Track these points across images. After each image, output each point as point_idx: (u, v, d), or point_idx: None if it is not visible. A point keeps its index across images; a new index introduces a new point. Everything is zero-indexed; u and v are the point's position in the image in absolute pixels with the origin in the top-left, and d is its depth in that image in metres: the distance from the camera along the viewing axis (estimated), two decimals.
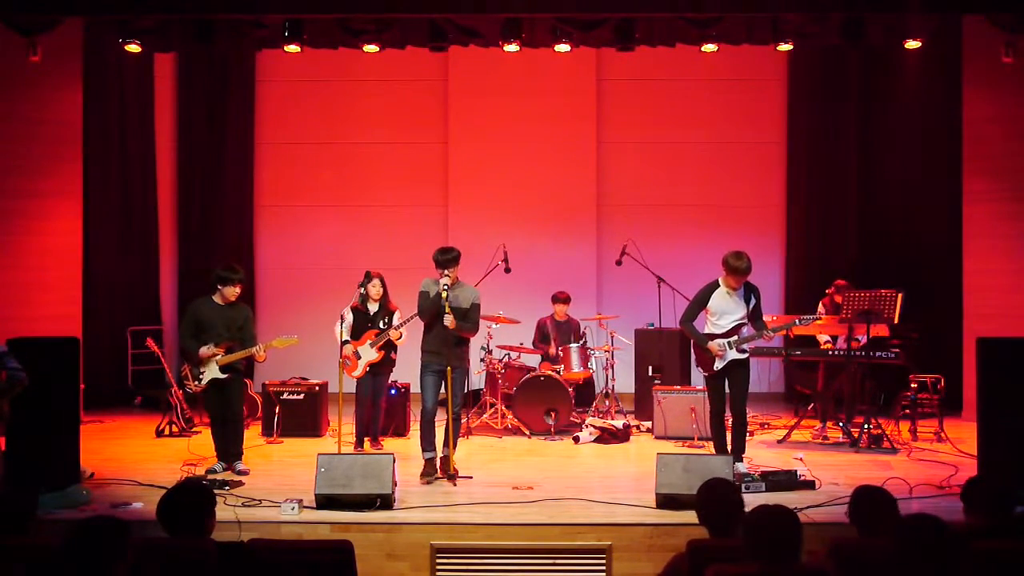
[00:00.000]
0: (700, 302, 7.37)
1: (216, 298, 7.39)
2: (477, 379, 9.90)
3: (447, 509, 6.29)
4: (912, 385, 8.82)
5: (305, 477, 6.55)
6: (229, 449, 7.42)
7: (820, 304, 9.05)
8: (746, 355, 7.29)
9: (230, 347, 7.33)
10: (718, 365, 7.23)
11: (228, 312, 7.38)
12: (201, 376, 7.30)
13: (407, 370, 8.30)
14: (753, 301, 7.29)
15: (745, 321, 7.25)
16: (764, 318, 7.42)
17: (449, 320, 7.04)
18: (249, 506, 6.25)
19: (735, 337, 7.21)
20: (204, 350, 7.25)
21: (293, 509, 6.07)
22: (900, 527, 3.44)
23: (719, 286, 7.32)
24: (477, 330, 7.45)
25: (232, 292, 7.35)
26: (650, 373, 9.63)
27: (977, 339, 6.83)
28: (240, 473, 7.25)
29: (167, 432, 8.96)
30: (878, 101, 11.16)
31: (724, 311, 7.28)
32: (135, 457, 8.01)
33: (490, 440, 8.93)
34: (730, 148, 11.67)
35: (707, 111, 11.66)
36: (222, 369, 7.30)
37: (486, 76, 11.34)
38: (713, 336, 7.27)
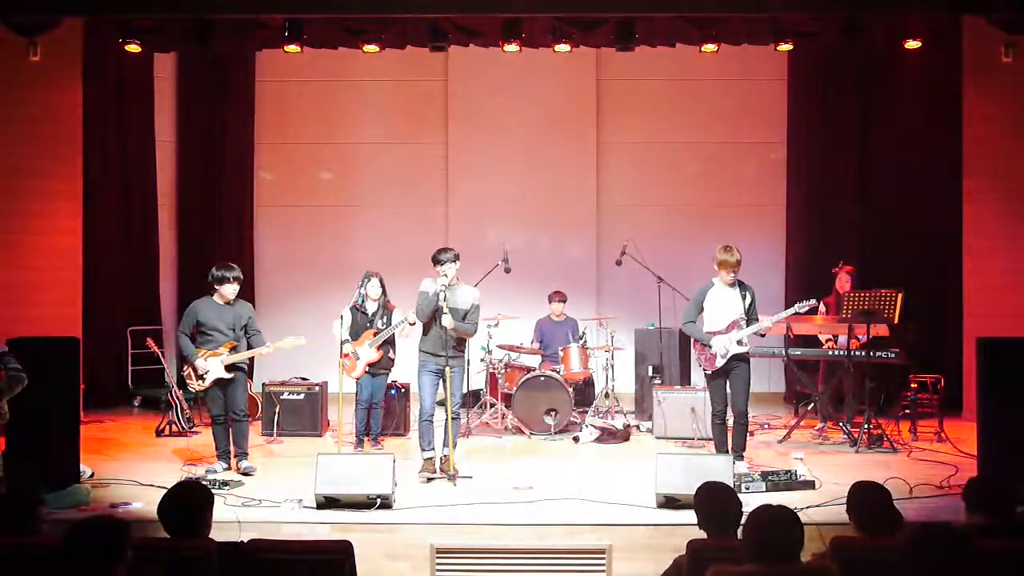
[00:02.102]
0: (697, 303, 7.42)
1: (216, 298, 7.39)
2: (477, 379, 9.91)
3: (447, 509, 6.28)
4: (912, 385, 8.82)
5: (305, 477, 6.55)
6: (234, 448, 7.41)
7: (822, 303, 9.03)
8: (746, 348, 7.31)
9: (234, 347, 7.33)
10: (719, 362, 7.24)
11: (230, 311, 7.37)
12: (205, 375, 7.28)
13: (406, 370, 8.29)
14: (749, 299, 7.32)
15: (743, 317, 7.27)
16: (761, 318, 7.44)
17: (448, 320, 7.04)
18: (249, 506, 6.24)
19: (735, 332, 7.23)
20: (200, 362, 7.23)
21: (293, 509, 6.07)
22: (913, 536, 3.43)
23: (713, 285, 7.37)
24: (476, 331, 7.45)
25: (230, 290, 7.34)
26: (650, 373, 9.63)
27: (977, 339, 6.83)
28: (246, 471, 7.25)
29: (167, 432, 8.95)
30: (878, 101, 11.16)
31: (721, 309, 7.32)
32: (135, 457, 8.01)
33: (490, 440, 8.93)
34: (730, 148, 11.68)
35: (707, 111, 11.67)
36: (227, 368, 7.29)
37: (486, 76, 11.35)
38: (714, 334, 7.29)
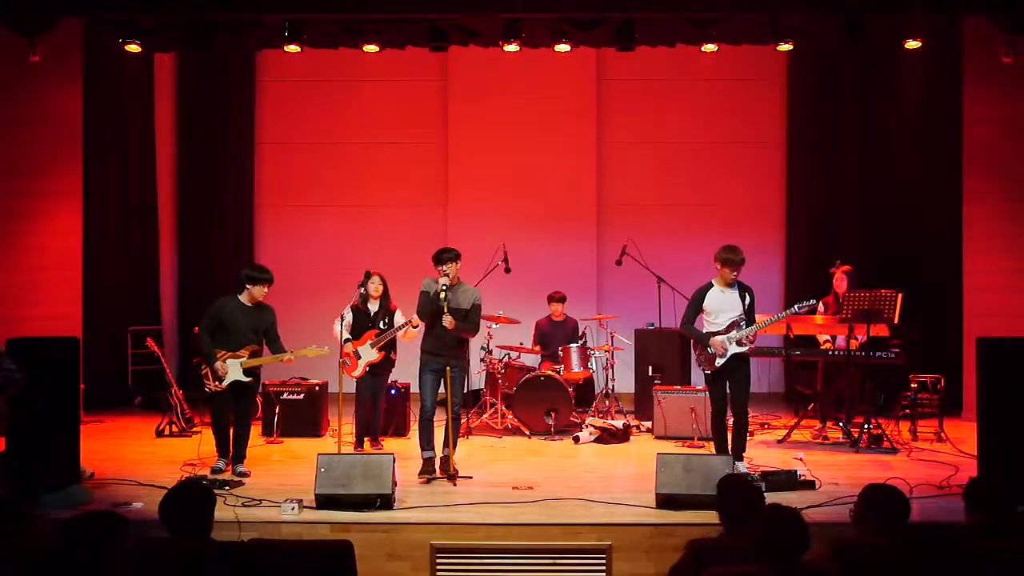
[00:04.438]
0: (696, 304, 7.42)
1: (243, 298, 7.34)
2: (477, 379, 9.91)
3: (447, 509, 6.29)
4: (912, 385, 8.82)
5: (305, 477, 6.55)
6: (232, 451, 7.39)
7: (820, 303, 9.03)
8: (746, 348, 7.31)
9: (255, 351, 7.30)
10: (719, 362, 7.24)
11: (254, 314, 7.34)
12: (222, 377, 7.23)
13: (407, 370, 8.29)
14: (748, 300, 7.32)
15: (742, 318, 7.27)
16: (760, 318, 7.45)
17: (448, 321, 7.05)
18: (249, 506, 6.24)
19: (734, 332, 7.23)
20: (219, 364, 7.18)
21: (293, 509, 6.07)
22: (907, 535, 3.43)
23: (713, 286, 7.37)
24: (477, 331, 7.46)
25: (260, 292, 7.31)
26: (650, 373, 9.63)
27: (977, 339, 6.82)
28: (240, 475, 7.23)
29: (167, 432, 8.96)
30: (878, 101, 11.16)
31: (720, 310, 7.32)
32: (135, 457, 8.01)
33: (490, 440, 8.93)
34: (730, 148, 11.68)
35: (707, 111, 11.67)
36: (246, 372, 7.27)
37: (486, 76, 11.34)
38: (713, 335, 7.29)
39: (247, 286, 7.30)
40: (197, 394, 7.83)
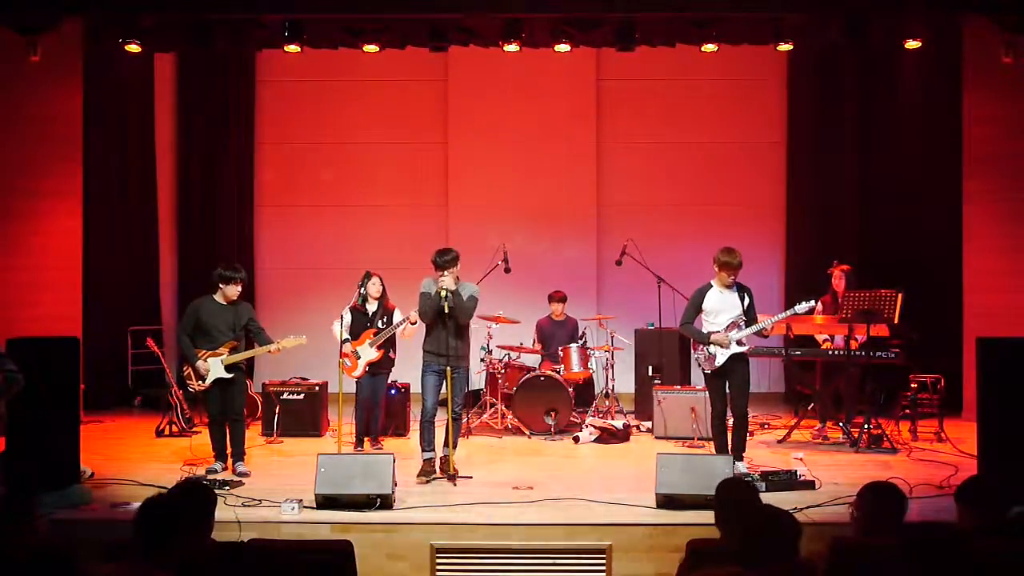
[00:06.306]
0: (695, 305, 7.42)
1: (218, 297, 7.38)
2: (477, 379, 9.91)
3: (447, 509, 6.29)
4: (912, 385, 8.82)
5: (305, 477, 6.55)
6: (231, 449, 7.41)
7: (819, 302, 9.03)
8: (745, 348, 7.31)
9: (234, 347, 7.33)
10: (719, 361, 7.24)
11: (231, 311, 7.37)
12: (205, 375, 7.28)
13: (407, 370, 8.30)
14: (747, 300, 7.32)
15: (741, 318, 7.28)
16: (760, 318, 7.45)
17: (448, 282, 6.96)
18: (249, 506, 6.24)
19: (734, 332, 7.23)
20: (200, 363, 7.23)
21: (293, 509, 6.07)
22: (907, 535, 3.43)
23: (712, 287, 7.38)
24: (470, 316, 7.28)
25: (234, 291, 7.35)
26: (650, 373, 9.63)
27: (977, 339, 6.82)
28: (240, 475, 7.24)
29: (167, 432, 8.96)
30: (878, 101, 11.15)
31: (720, 310, 7.33)
32: (135, 457, 8.01)
33: (490, 440, 8.93)
34: (730, 148, 11.68)
35: (707, 111, 11.67)
36: (227, 368, 7.30)
37: (486, 76, 11.35)
38: (713, 335, 7.28)
39: (220, 286, 7.34)
40: (187, 394, 7.86)
